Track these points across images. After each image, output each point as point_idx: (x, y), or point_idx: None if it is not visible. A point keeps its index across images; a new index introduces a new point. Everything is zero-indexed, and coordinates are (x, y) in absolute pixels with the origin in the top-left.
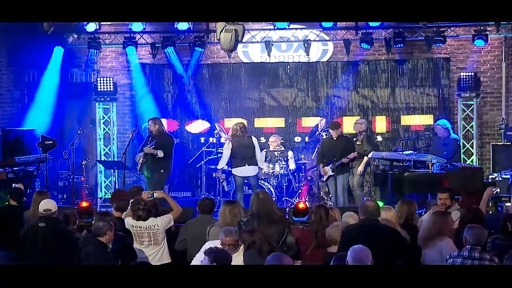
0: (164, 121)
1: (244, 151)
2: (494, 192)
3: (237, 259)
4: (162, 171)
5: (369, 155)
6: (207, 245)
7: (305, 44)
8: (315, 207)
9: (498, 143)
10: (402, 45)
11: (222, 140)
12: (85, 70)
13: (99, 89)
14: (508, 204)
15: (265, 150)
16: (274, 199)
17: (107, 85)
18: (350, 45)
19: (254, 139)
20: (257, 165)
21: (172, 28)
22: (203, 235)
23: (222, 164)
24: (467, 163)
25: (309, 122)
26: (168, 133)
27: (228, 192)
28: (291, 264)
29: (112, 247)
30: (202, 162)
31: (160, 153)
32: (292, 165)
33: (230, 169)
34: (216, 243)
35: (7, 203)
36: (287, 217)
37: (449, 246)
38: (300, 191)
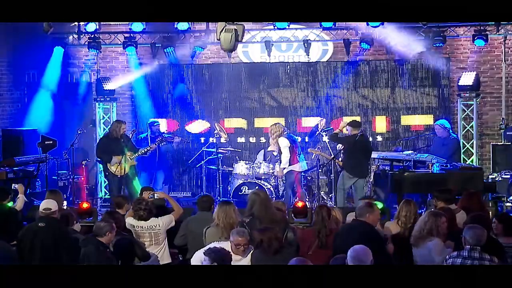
0: (163, 121)
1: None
2: None
3: (240, 261)
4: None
5: None
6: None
7: (305, 44)
8: (317, 207)
9: (498, 143)
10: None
11: (222, 140)
12: (85, 70)
13: (99, 89)
14: (508, 204)
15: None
16: (273, 199)
17: (107, 85)
18: (350, 45)
19: None
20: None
21: (172, 28)
22: (202, 232)
23: (287, 164)
24: (467, 163)
25: (309, 122)
26: None
27: (229, 192)
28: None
29: (116, 246)
30: (202, 162)
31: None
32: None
33: (229, 168)
34: (221, 245)
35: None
36: (287, 217)
37: (439, 247)
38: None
